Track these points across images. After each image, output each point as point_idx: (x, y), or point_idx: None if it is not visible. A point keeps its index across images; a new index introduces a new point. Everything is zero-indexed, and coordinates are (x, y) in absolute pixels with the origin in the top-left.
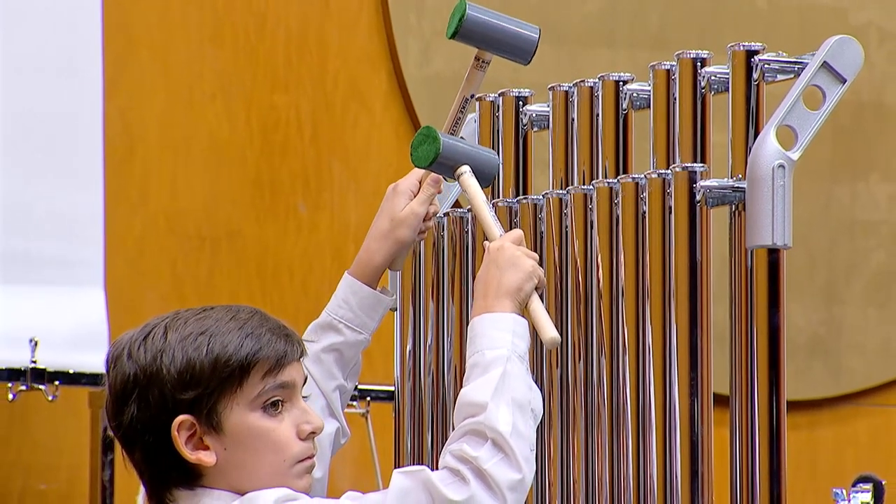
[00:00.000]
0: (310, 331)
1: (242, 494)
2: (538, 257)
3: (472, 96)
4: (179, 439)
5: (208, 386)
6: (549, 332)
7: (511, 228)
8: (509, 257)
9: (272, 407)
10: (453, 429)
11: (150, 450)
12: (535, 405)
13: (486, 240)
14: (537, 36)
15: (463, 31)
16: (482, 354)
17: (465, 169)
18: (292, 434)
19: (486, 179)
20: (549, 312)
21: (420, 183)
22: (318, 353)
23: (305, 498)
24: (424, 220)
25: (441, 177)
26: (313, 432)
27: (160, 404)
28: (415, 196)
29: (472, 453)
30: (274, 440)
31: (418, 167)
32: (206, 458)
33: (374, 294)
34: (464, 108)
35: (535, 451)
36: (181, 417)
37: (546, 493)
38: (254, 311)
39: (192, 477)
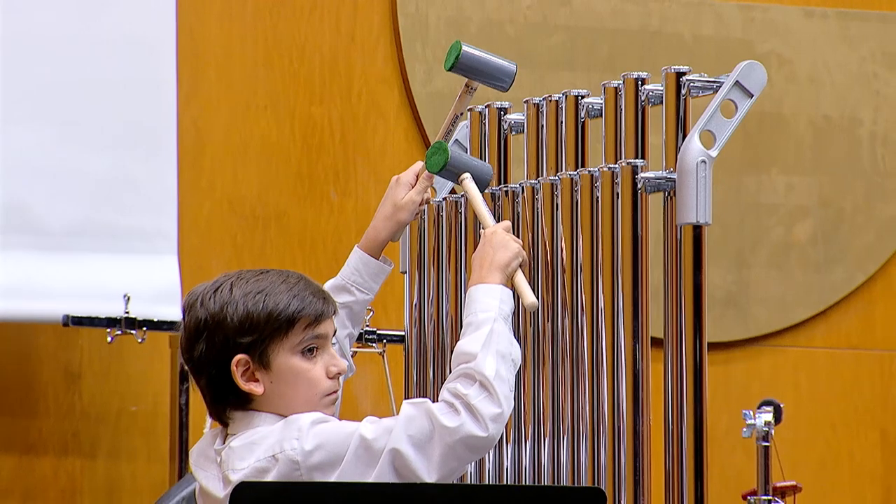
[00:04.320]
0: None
1: (284, 417)
2: (522, 242)
3: (461, 114)
4: (237, 373)
5: (262, 333)
6: (529, 298)
7: (494, 211)
8: (501, 240)
9: (309, 352)
10: (450, 370)
11: (213, 379)
12: (514, 356)
13: (482, 227)
14: (515, 69)
15: (459, 65)
16: (475, 315)
17: (467, 176)
18: (323, 373)
19: (483, 184)
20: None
21: (417, 177)
22: None
23: (334, 420)
24: (420, 205)
25: (433, 173)
26: (339, 372)
27: (223, 345)
28: (412, 187)
29: (463, 391)
30: (309, 377)
31: (430, 172)
32: (256, 388)
33: (379, 264)
34: (454, 123)
35: (513, 392)
36: (239, 356)
37: (521, 418)
38: (300, 276)
39: (245, 402)
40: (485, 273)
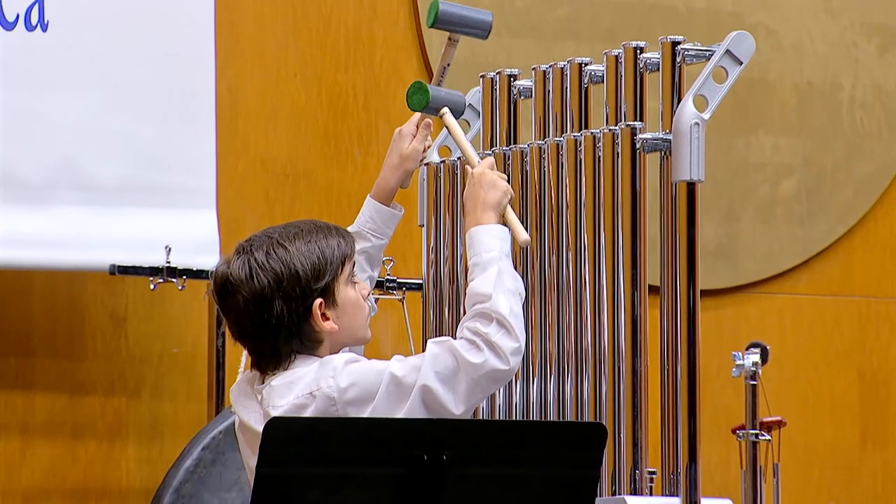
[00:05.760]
0: None
1: (319, 359)
2: (507, 177)
3: (448, 65)
4: (318, 317)
5: (329, 275)
6: (522, 235)
7: (505, 171)
8: (489, 180)
9: (353, 282)
10: (464, 311)
11: (291, 330)
12: (521, 290)
13: (467, 162)
14: (491, 19)
15: (439, 21)
16: (480, 256)
17: (446, 110)
18: (361, 296)
19: (459, 114)
20: (530, 227)
21: (417, 127)
22: None
23: (365, 359)
24: (423, 152)
25: (431, 121)
26: (368, 293)
27: (301, 295)
28: (414, 137)
29: (483, 329)
30: (359, 304)
31: (413, 110)
32: (332, 326)
33: (390, 211)
34: (443, 72)
35: (524, 325)
36: (318, 300)
37: (530, 360)
38: (319, 222)
39: (315, 344)
40: (479, 214)
